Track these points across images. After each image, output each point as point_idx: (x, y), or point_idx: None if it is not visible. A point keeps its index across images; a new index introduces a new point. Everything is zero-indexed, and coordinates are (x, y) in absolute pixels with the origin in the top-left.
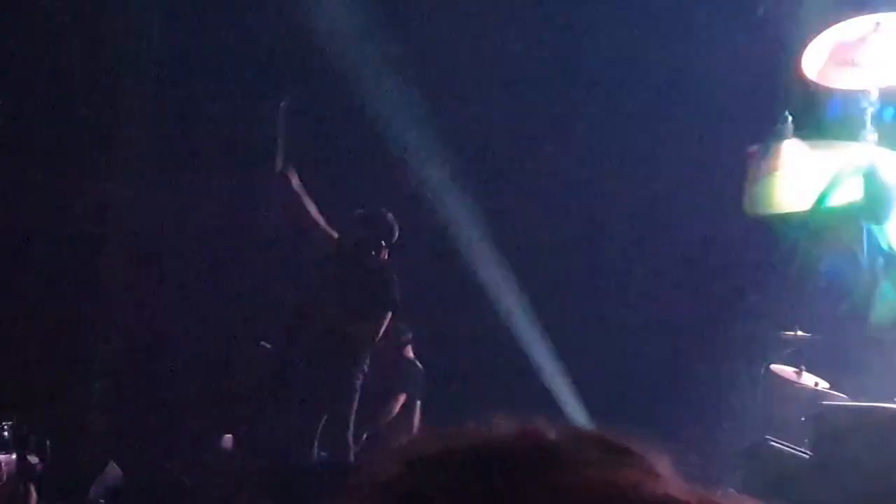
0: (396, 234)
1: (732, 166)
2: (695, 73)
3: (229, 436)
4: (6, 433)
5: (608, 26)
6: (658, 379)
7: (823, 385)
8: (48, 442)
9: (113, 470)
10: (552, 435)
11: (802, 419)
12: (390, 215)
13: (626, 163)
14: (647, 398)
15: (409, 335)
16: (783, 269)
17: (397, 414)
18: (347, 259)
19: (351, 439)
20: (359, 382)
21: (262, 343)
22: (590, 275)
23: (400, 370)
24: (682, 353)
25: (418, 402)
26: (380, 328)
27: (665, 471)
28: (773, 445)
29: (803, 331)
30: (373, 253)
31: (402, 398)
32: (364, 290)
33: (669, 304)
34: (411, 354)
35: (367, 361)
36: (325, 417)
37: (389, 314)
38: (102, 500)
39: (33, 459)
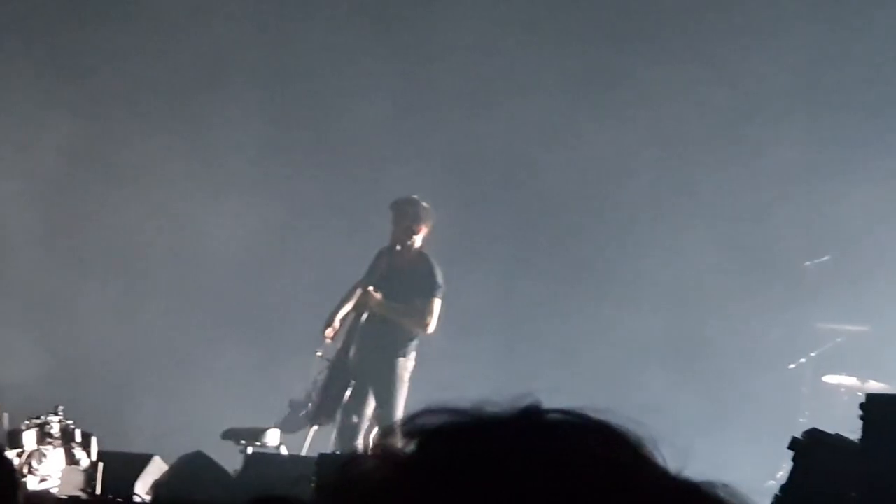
0: (427, 218)
1: None
2: None
3: (276, 430)
4: (54, 428)
5: None
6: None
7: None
8: (94, 437)
9: (158, 464)
10: (554, 416)
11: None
12: (415, 198)
13: None
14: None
15: None
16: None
17: None
18: (389, 249)
19: None
20: (407, 374)
21: (318, 352)
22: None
23: None
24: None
25: None
26: (430, 315)
27: (658, 457)
28: (823, 435)
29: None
30: (406, 240)
31: None
32: (407, 278)
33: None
34: None
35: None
36: (375, 407)
37: (438, 300)
38: (148, 495)
39: (80, 453)
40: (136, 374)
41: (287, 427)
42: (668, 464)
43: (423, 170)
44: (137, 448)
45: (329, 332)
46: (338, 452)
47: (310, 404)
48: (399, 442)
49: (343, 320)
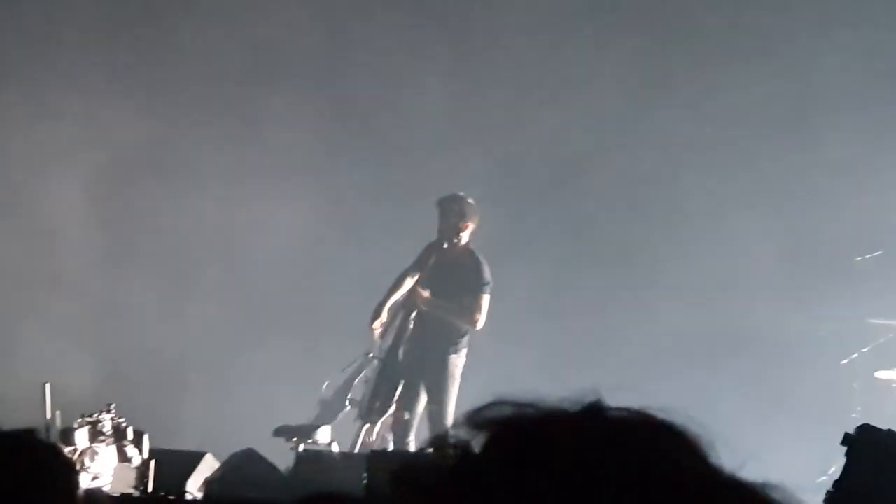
0: (473, 214)
1: None
2: None
3: (328, 427)
4: (106, 426)
5: None
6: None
7: None
8: (146, 434)
9: (210, 461)
10: (616, 413)
11: None
12: (461, 195)
13: None
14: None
15: None
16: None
17: None
18: (437, 246)
19: (450, 424)
20: (459, 370)
21: (368, 354)
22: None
23: None
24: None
25: None
26: (479, 312)
27: (705, 450)
28: (875, 431)
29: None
30: (453, 237)
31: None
32: (455, 275)
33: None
34: None
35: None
36: (427, 403)
37: (486, 296)
38: (200, 492)
39: (132, 451)
40: (187, 372)
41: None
42: (725, 463)
43: (473, 164)
44: (189, 446)
45: (377, 323)
46: (389, 449)
47: (346, 403)
48: (467, 434)
49: (391, 316)
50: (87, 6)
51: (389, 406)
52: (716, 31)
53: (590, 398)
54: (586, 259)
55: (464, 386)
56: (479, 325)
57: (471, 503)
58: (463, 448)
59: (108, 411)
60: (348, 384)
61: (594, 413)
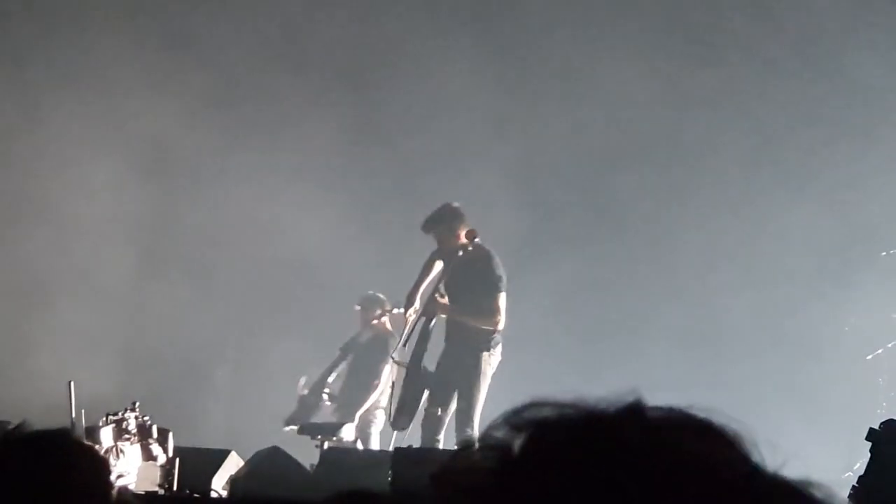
0: (458, 215)
1: None
2: None
3: (352, 425)
4: (131, 424)
5: None
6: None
7: None
8: (171, 433)
9: (235, 459)
10: (657, 413)
11: None
12: (449, 203)
13: None
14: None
15: None
16: None
17: None
18: (443, 255)
19: (477, 422)
20: (491, 369)
21: (393, 357)
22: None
23: None
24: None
25: None
26: (497, 313)
27: (747, 449)
28: None
29: None
30: (459, 247)
31: None
32: (471, 277)
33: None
34: None
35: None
36: (456, 403)
37: (502, 294)
38: (225, 490)
39: (156, 449)
40: (212, 370)
41: (294, 421)
42: (766, 462)
43: (497, 170)
44: (214, 443)
45: (411, 311)
46: (416, 447)
47: (324, 397)
48: (506, 435)
49: (412, 325)
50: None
51: (415, 412)
52: (742, 29)
53: (629, 398)
54: (612, 256)
55: (494, 385)
56: (500, 326)
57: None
58: (503, 449)
59: (133, 409)
60: (324, 379)
61: (635, 413)
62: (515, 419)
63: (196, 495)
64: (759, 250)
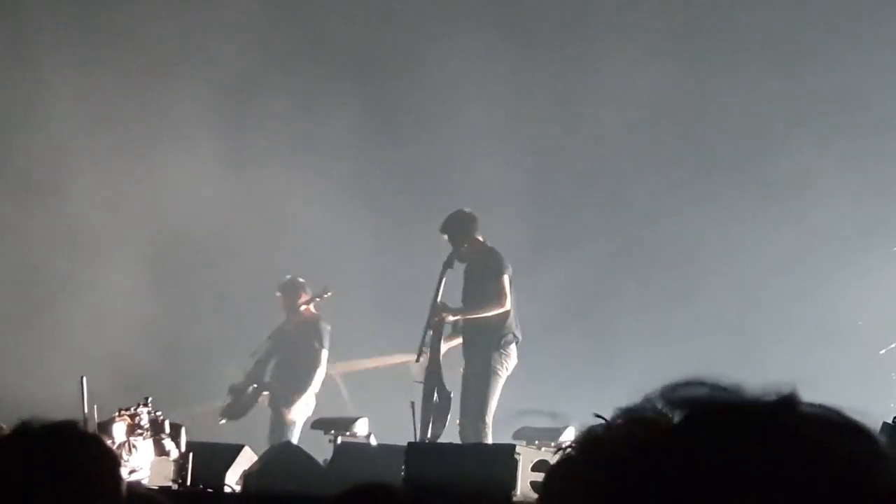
0: (468, 225)
1: None
2: None
3: (365, 419)
4: (144, 419)
5: None
6: None
7: None
8: (183, 427)
9: (248, 454)
10: (810, 408)
11: None
12: (455, 212)
13: None
14: None
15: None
16: None
17: None
18: (450, 262)
19: (489, 420)
20: (503, 369)
21: (416, 380)
22: None
23: None
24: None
25: None
26: (502, 294)
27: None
28: None
29: None
30: (467, 252)
31: None
32: (477, 271)
33: None
34: None
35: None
36: (470, 400)
37: (506, 276)
38: (238, 485)
39: (169, 444)
40: (224, 365)
41: (230, 413)
42: None
43: (509, 167)
44: (227, 439)
45: (421, 359)
46: (428, 442)
47: (256, 386)
48: (660, 409)
49: (426, 339)
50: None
51: (443, 425)
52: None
53: (784, 389)
54: (626, 253)
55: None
56: (507, 305)
57: (663, 478)
58: (656, 423)
59: (146, 405)
60: (256, 369)
61: (790, 405)
62: (672, 395)
63: (209, 490)
64: (773, 244)
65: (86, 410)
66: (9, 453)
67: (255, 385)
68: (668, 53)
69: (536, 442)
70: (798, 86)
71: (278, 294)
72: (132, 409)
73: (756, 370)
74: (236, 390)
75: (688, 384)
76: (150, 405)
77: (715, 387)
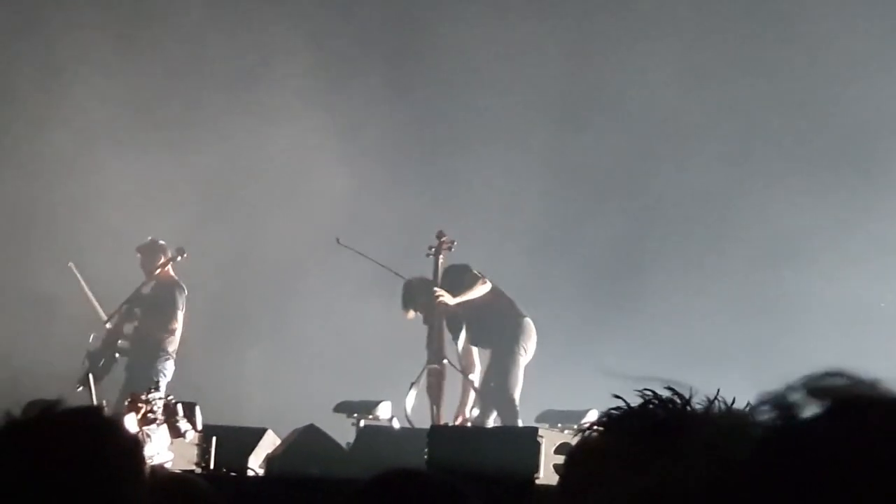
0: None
1: None
2: None
3: (388, 403)
4: (157, 405)
5: None
6: None
7: None
8: (197, 405)
9: (271, 438)
10: None
11: None
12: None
13: None
14: None
15: None
16: None
17: None
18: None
19: (517, 406)
20: (523, 358)
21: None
22: None
23: None
24: None
25: None
26: (475, 277)
27: None
28: None
29: None
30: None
31: None
32: (449, 279)
33: None
34: None
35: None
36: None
37: (466, 266)
38: (261, 468)
39: (184, 425)
40: (248, 349)
41: (85, 380)
42: None
43: (530, 154)
44: (250, 422)
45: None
46: (451, 425)
47: (115, 354)
48: (801, 399)
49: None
50: None
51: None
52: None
53: None
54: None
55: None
56: (487, 283)
57: (803, 465)
58: (794, 411)
59: (157, 390)
60: (112, 334)
61: None
62: (815, 386)
63: (233, 474)
64: (795, 227)
65: (94, 401)
66: (32, 439)
67: (111, 350)
68: (697, 24)
69: (559, 425)
70: (835, 56)
71: (138, 255)
72: (143, 396)
73: (776, 351)
74: (93, 356)
75: (829, 375)
76: (161, 390)
77: (855, 380)
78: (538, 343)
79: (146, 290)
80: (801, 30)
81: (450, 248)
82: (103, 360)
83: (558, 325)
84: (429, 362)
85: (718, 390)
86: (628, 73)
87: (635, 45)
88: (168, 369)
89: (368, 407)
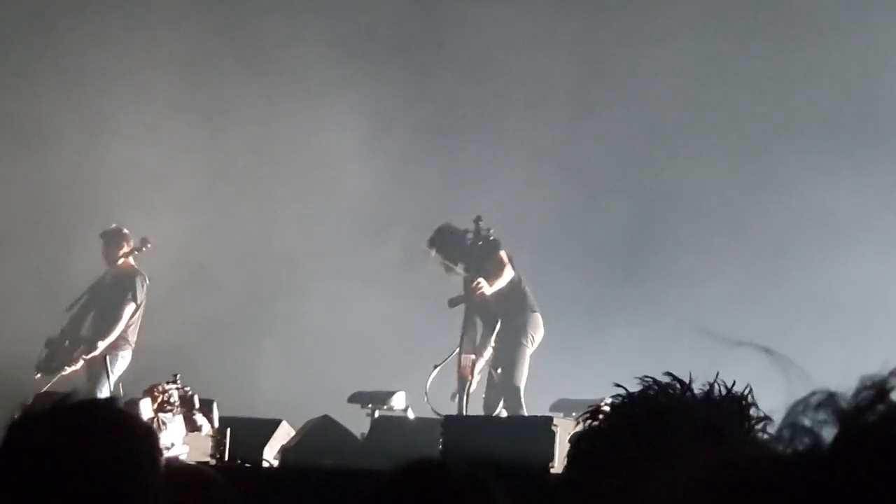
0: (451, 245)
1: None
2: None
3: (402, 393)
4: (173, 396)
5: None
6: None
7: None
8: (215, 402)
9: (286, 429)
10: None
11: None
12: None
13: None
14: None
15: None
16: None
17: None
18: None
19: (522, 391)
20: (529, 347)
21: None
22: None
23: None
24: None
25: None
26: (501, 263)
27: None
28: None
29: None
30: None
31: None
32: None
33: None
34: None
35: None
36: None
37: (498, 251)
38: (276, 459)
39: (201, 419)
40: (262, 340)
41: (46, 368)
42: None
43: (547, 139)
44: (265, 414)
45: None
46: (466, 415)
47: (73, 340)
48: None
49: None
50: None
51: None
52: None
53: None
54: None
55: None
56: (510, 275)
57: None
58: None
59: (175, 381)
60: (75, 322)
61: None
62: (833, 405)
63: (247, 465)
64: (820, 216)
65: (111, 388)
66: (47, 431)
67: (70, 339)
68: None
69: (574, 414)
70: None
71: (102, 242)
72: (161, 385)
73: (804, 342)
74: (52, 344)
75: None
76: (178, 381)
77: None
78: (550, 333)
79: (108, 278)
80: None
81: (488, 236)
82: (62, 348)
83: (571, 313)
84: (461, 351)
85: (717, 374)
86: (645, 56)
87: (653, 26)
88: (125, 359)
89: (383, 397)
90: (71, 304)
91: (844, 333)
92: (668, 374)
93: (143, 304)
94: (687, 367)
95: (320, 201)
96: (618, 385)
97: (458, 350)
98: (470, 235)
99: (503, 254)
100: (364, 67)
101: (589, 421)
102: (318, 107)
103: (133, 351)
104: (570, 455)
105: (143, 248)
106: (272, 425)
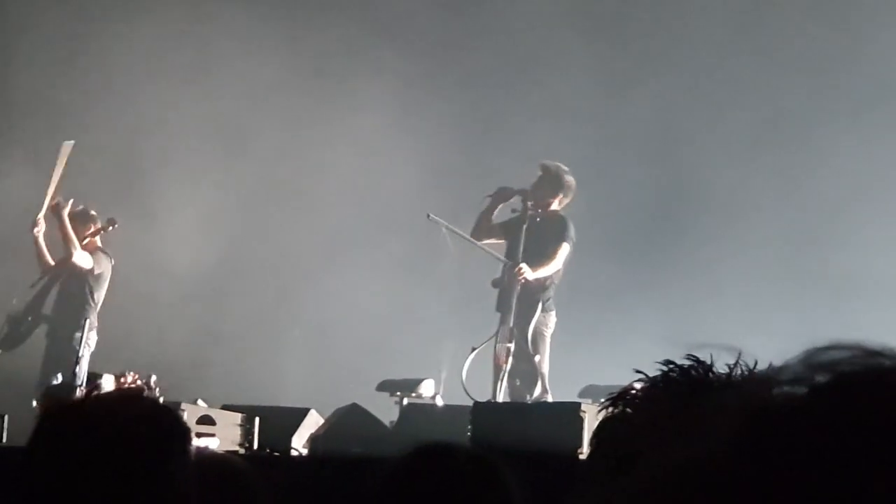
0: (567, 190)
1: None
2: None
3: (431, 381)
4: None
5: None
6: None
7: None
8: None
9: (314, 417)
10: None
11: None
12: (563, 170)
13: None
14: None
15: None
16: None
17: None
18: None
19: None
20: (547, 328)
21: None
22: None
23: None
24: None
25: None
26: (555, 257)
27: None
28: None
29: None
30: (539, 205)
31: None
32: (544, 236)
33: None
34: None
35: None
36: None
37: (566, 244)
38: (305, 448)
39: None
40: (290, 328)
41: (6, 344)
42: None
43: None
44: (293, 402)
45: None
46: (495, 402)
47: (35, 318)
48: (803, 371)
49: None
50: None
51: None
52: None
53: None
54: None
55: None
56: (553, 269)
57: (789, 447)
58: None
59: (148, 382)
60: (37, 300)
61: None
62: (815, 359)
63: (276, 454)
64: (836, 203)
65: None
66: (79, 420)
67: (31, 316)
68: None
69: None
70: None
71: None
72: (128, 375)
73: (821, 328)
74: (14, 320)
75: (833, 348)
76: (152, 383)
77: (862, 350)
78: (578, 320)
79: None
80: None
81: (536, 217)
82: (24, 325)
83: (598, 300)
84: (499, 340)
85: (740, 354)
86: (672, 32)
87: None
88: (92, 339)
89: (411, 385)
90: (34, 282)
91: (871, 318)
92: (691, 356)
93: (106, 283)
94: (714, 349)
95: (347, 189)
96: (638, 371)
97: (494, 337)
98: (516, 213)
99: (566, 248)
100: (391, 54)
101: (610, 408)
102: (343, 92)
103: (97, 330)
104: (593, 442)
105: (111, 228)
106: (301, 414)
